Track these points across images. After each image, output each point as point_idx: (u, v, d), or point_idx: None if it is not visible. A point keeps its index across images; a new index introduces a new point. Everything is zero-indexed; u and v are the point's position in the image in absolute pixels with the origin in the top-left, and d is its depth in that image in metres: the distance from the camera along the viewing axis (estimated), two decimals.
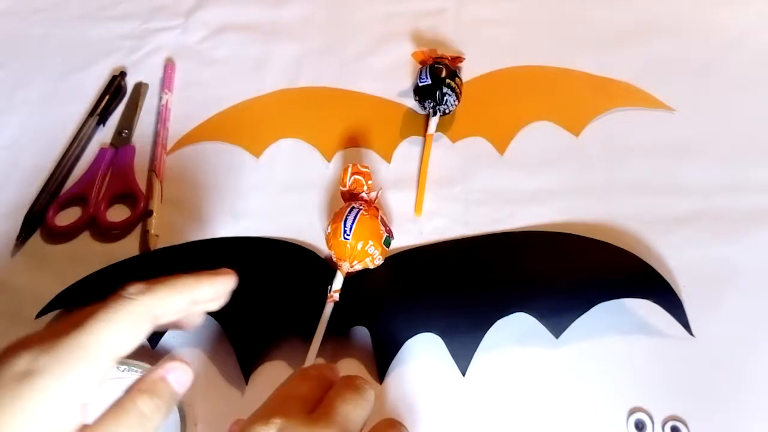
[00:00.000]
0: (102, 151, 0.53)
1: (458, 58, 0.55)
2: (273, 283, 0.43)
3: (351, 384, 0.32)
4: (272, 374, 0.41)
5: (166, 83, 0.58)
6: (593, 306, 0.40)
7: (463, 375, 0.40)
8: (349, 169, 0.45)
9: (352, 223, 0.42)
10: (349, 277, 0.43)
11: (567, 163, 0.51)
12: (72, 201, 0.50)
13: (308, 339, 0.40)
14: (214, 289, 0.33)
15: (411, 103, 0.55)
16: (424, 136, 0.53)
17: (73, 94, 0.58)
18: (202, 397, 0.40)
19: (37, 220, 0.49)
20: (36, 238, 0.49)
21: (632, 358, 0.41)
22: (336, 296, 0.42)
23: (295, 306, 0.42)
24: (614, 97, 0.55)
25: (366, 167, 0.45)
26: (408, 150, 0.53)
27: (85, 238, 0.49)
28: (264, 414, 0.30)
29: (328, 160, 0.52)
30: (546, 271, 0.43)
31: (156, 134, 0.54)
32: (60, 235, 0.48)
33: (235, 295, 0.35)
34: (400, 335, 0.41)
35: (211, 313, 0.35)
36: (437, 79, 0.51)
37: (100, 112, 0.56)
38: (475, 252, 0.45)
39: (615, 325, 0.42)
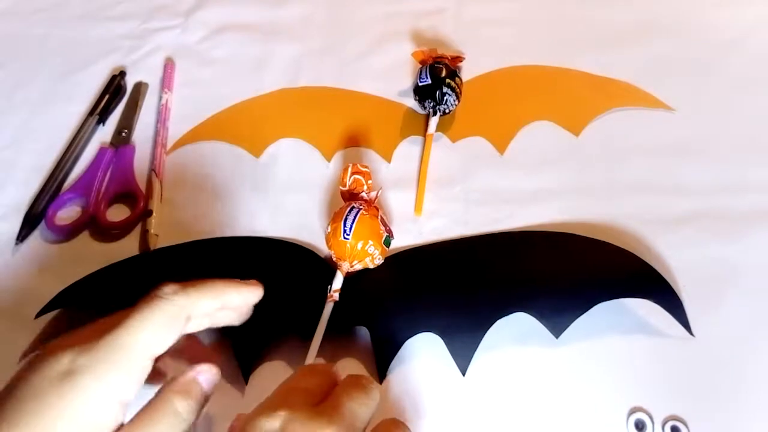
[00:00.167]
0: (102, 151, 0.53)
1: (458, 58, 0.55)
2: (272, 283, 0.43)
3: (357, 382, 0.32)
4: (272, 374, 0.41)
5: (165, 83, 0.58)
6: (593, 306, 0.40)
7: (463, 375, 0.40)
8: (349, 169, 0.45)
9: (352, 223, 0.42)
10: (349, 277, 0.43)
11: (567, 163, 0.51)
12: (72, 200, 0.50)
13: (308, 339, 0.40)
14: (242, 297, 0.34)
15: (411, 102, 0.55)
16: (424, 135, 0.53)
17: (72, 93, 0.58)
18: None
19: (36, 220, 0.49)
20: (36, 238, 0.49)
21: (632, 358, 0.41)
22: (336, 296, 0.42)
23: (294, 306, 0.42)
24: (614, 96, 0.55)
25: (366, 167, 0.45)
26: (408, 150, 0.53)
27: (84, 237, 0.49)
28: (269, 406, 0.30)
29: (328, 160, 0.52)
30: (546, 271, 0.43)
31: (156, 134, 0.54)
32: (60, 235, 0.48)
33: None
34: (400, 335, 0.41)
35: None
36: (437, 79, 0.51)
37: (99, 112, 0.56)
38: (475, 252, 0.45)
39: (615, 325, 0.42)
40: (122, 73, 0.59)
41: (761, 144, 0.51)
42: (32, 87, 0.59)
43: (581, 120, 0.53)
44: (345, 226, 0.42)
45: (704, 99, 0.55)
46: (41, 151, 0.54)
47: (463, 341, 0.40)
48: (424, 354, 0.41)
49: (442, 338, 0.40)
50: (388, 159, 0.52)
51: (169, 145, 0.54)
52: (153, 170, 0.51)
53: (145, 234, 0.48)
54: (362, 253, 0.42)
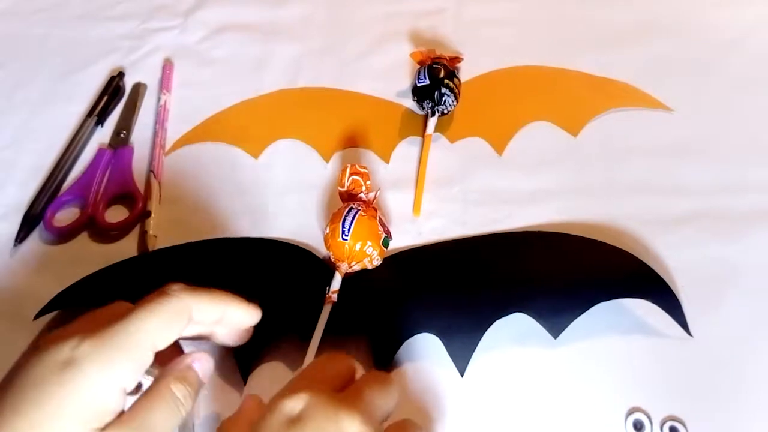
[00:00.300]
0: (100, 152, 0.53)
1: (457, 59, 0.55)
2: (271, 284, 0.43)
3: (379, 377, 0.33)
4: (270, 375, 0.41)
5: (164, 84, 0.58)
6: (592, 306, 0.40)
7: (462, 375, 0.40)
8: (348, 170, 0.45)
9: (351, 224, 0.42)
10: (348, 278, 0.43)
11: (565, 164, 0.51)
12: (70, 202, 0.50)
13: (306, 340, 0.40)
14: (241, 314, 0.34)
15: (409, 103, 0.55)
16: (423, 136, 0.53)
17: (72, 94, 0.58)
18: (200, 398, 0.40)
19: (35, 221, 0.49)
20: (34, 239, 0.49)
21: (631, 359, 0.41)
22: (334, 297, 0.42)
23: (293, 307, 0.42)
24: (613, 97, 0.55)
25: (364, 168, 0.45)
26: (406, 150, 0.53)
27: (83, 238, 0.49)
28: (292, 389, 0.30)
29: (327, 161, 0.52)
30: (544, 272, 0.43)
31: (154, 135, 0.54)
32: (58, 236, 0.48)
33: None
34: (398, 336, 0.41)
35: None
36: (435, 80, 0.51)
37: (98, 113, 0.56)
38: (474, 252, 0.45)
39: (613, 326, 0.42)
40: (121, 74, 0.59)
41: (761, 144, 0.51)
42: (32, 87, 0.59)
43: (580, 120, 0.53)
44: (343, 227, 0.42)
45: (704, 99, 0.54)
46: (41, 152, 0.54)
47: (461, 342, 0.40)
48: (422, 355, 0.41)
49: (440, 339, 0.40)
50: (387, 160, 0.52)
51: (168, 146, 0.54)
52: (151, 171, 0.51)
53: (143, 235, 0.48)
54: (361, 254, 0.42)
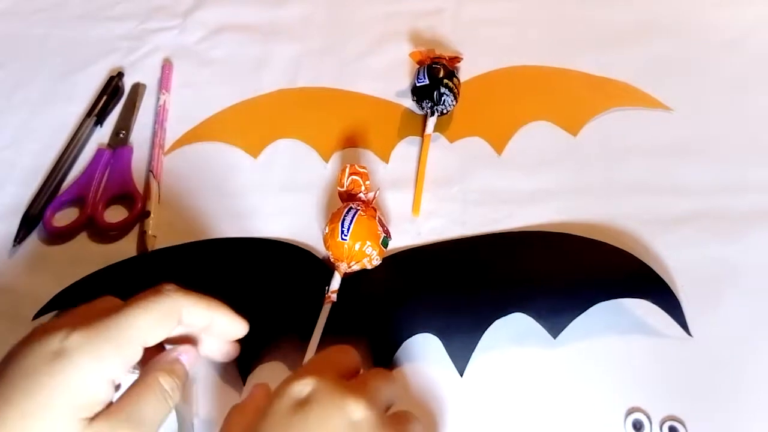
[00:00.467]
0: (99, 152, 0.53)
1: (456, 58, 0.55)
2: (270, 284, 0.43)
3: (383, 371, 0.35)
4: (270, 375, 0.41)
5: (163, 84, 0.58)
6: (591, 306, 0.40)
7: (461, 375, 0.40)
8: (347, 170, 0.45)
9: (350, 224, 0.42)
10: (347, 278, 0.43)
11: (565, 163, 0.51)
12: (69, 202, 0.50)
13: (306, 340, 0.40)
14: (229, 323, 0.34)
15: (409, 103, 0.55)
16: (422, 136, 0.53)
17: (71, 94, 0.58)
18: (200, 398, 0.40)
19: (34, 221, 0.49)
20: (33, 239, 0.49)
21: (630, 359, 0.41)
22: (333, 297, 0.42)
23: (292, 307, 0.42)
24: (612, 96, 0.55)
25: (364, 167, 0.45)
26: (406, 150, 0.53)
27: (82, 239, 0.49)
28: (300, 374, 0.31)
29: (326, 161, 0.52)
30: (544, 272, 0.43)
31: (153, 135, 0.54)
32: (57, 236, 0.48)
33: (233, 295, 0.35)
34: (397, 336, 0.41)
35: None
36: (435, 80, 0.51)
37: (97, 113, 0.56)
38: (473, 252, 0.45)
39: (613, 326, 0.42)
40: (120, 74, 0.59)
41: (760, 144, 0.51)
42: (31, 87, 0.59)
43: (579, 120, 0.53)
44: (343, 226, 0.42)
45: (703, 99, 0.54)
46: (40, 152, 0.54)
47: (461, 342, 0.40)
48: (421, 355, 0.41)
49: (439, 339, 0.40)
50: (386, 159, 0.52)
51: (167, 146, 0.54)
52: (151, 171, 0.51)
53: (142, 235, 0.48)
54: (360, 254, 0.42)
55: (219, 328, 0.34)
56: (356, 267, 0.43)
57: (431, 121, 0.52)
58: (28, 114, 0.57)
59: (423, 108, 0.53)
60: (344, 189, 0.45)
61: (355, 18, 0.64)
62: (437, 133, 0.53)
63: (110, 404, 0.29)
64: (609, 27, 0.61)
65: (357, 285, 0.43)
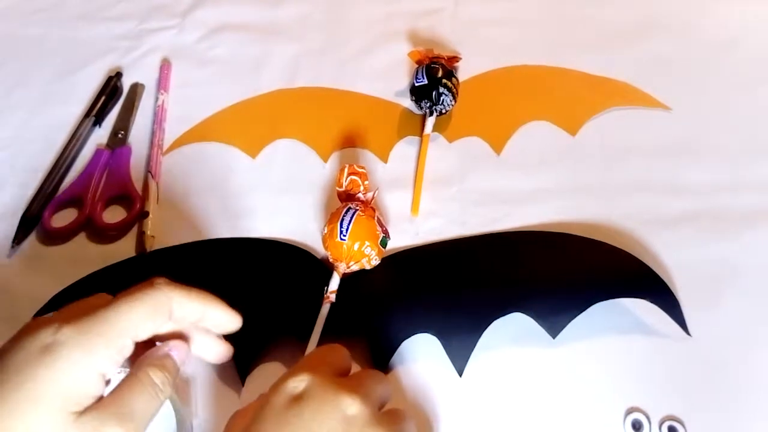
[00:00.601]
0: (98, 153, 0.53)
1: (455, 58, 0.55)
2: (269, 284, 0.43)
3: (376, 372, 0.35)
4: (268, 375, 0.41)
5: (162, 84, 0.58)
6: (590, 306, 0.40)
7: (460, 375, 0.40)
8: (346, 170, 0.44)
9: (349, 224, 0.42)
10: (346, 278, 0.43)
11: (564, 163, 0.51)
12: (68, 202, 0.50)
13: (305, 340, 0.40)
14: (222, 316, 0.34)
15: (407, 103, 0.55)
16: (421, 136, 0.52)
17: (70, 94, 0.58)
18: (198, 398, 0.40)
19: (33, 222, 0.49)
20: (32, 240, 0.49)
21: (629, 358, 0.41)
22: (332, 297, 0.42)
23: (291, 307, 0.42)
24: (611, 96, 0.55)
25: (362, 167, 0.45)
26: (404, 150, 0.53)
27: (81, 239, 0.49)
28: (295, 371, 0.32)
29: (325, 161, 0.52)
30: (543, 271, 0.43)
31: (152, 135, 0.54)
32: (56, 237, 0.48)
33: (232, 296, 0.35)
34: (396, 336, 0.41)
35: None
36: (433, 79, 0.51)
37: (96, 113, 0.56)
38: (472, 252, 0.45)
39: (612, 325, 0.42)
40: (118, 75, 0.59)
41: (760, 144, 0.51)
42: (30, 87, 0.59)
43: (578, 120, 0.53)
44: (341, 227, 0.42)
45: (703, 99, 0.54)
46: (38, 152, 0.54)
47: (460, 342, 0.40)
48: (421, 355, 0.41)
49: (438, 339, 0.40)
50: (385, 159, 0.52)
51: (166, 146, 0.54)
52: (149, 172, 0.51)
53: (141, 235, 0.48)
54: (359, 254, 0.42)
55: (212, 321, 0.34)
56: (355, 267, 0.43)
57: (430, 121, 0.52)
58: (27, 114, 0.57)
59: (422, 108, 0.53)
60: (343, 189, 0.45)
61: (354, 18, 0.64)
62: (436, 133, 0.53)
63: (100, 398, 0.29)
64: (608, 27, 0.61)
65: (356, 285, 0.43)
